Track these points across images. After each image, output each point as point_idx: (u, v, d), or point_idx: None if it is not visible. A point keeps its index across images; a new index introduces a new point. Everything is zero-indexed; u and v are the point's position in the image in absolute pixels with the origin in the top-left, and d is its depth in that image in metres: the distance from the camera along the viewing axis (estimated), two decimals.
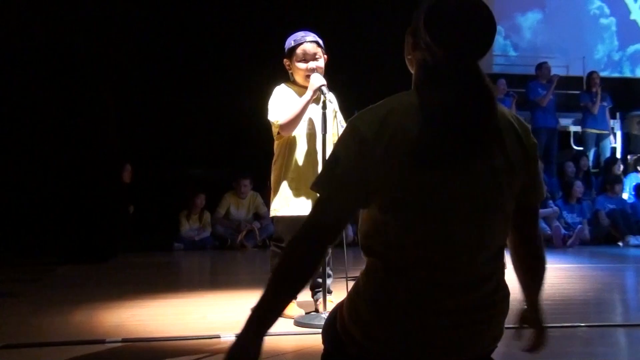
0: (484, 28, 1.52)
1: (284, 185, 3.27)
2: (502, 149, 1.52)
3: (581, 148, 10.11)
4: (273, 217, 3.40)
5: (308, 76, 3.22)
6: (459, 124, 1.47)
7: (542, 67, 9.58)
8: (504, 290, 1.63)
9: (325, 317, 1.85)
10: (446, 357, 1.56)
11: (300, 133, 3.26)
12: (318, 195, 1.53)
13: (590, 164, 9.76)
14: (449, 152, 1.47)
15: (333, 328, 1.67)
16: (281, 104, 3.24)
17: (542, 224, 8.04)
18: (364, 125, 1.50)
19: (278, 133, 3.26)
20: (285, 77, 3.38)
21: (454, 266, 1.51)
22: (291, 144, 3.27)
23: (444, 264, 1.51)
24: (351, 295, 1.64)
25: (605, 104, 9.74)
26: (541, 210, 7.94)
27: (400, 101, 1.53)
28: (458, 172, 1.48)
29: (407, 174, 1.47)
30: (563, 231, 8.02)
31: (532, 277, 1.75)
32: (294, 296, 1.58)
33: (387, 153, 1.46)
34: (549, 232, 7.96)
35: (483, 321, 1.56)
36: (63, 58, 6.36)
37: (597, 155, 9.92)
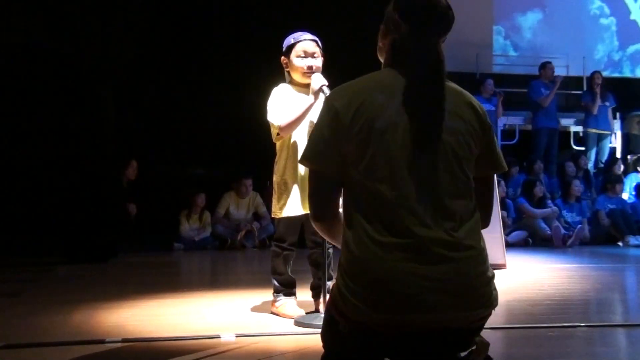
0: (444, 12, 1.82)
1: (286, 185, 3.27)
2: (461, 116, 1.77)
3: (582, 148, 10.10)
4: (274, 217, 3.40)
5: (305, 73, 3.22)
6: (417, 100, 1.72)
7: (546, 66, 9.55)
8: (483, 264, 1.73)
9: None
10: (427, 315, 1.64)
11: (301, 133, 3.25)
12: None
13: (592, 164, 9.75)
14: (411, 118, 1.71)
15: (328, 314, 1.83)
16: (280, 105, 3.23)
17: (542, 224, 8.03)
18: (336, 99, 1.79)
19: (277, 134, 3.25)
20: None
21: (423, 221, 1.67)
22: (292, 145, 3.27)
23: (413, 222, 1.67)
24: (338, 278, 1.77)
25: (607, 104, 9.71)
26: (541, 210, 8.11)
27: (370, 77, 1.82)
28: (419, 131, 1.71)
29: (372, 136, 1.70)
30: (563, 231, 7.99)
31: None
32: None
33: (354, 119, 1.73)
34: (549, 232, 7.93)
35: (456, 286, 1.66)
36: (63, 57, 6.36)
37: (598, 155, 9.90)
